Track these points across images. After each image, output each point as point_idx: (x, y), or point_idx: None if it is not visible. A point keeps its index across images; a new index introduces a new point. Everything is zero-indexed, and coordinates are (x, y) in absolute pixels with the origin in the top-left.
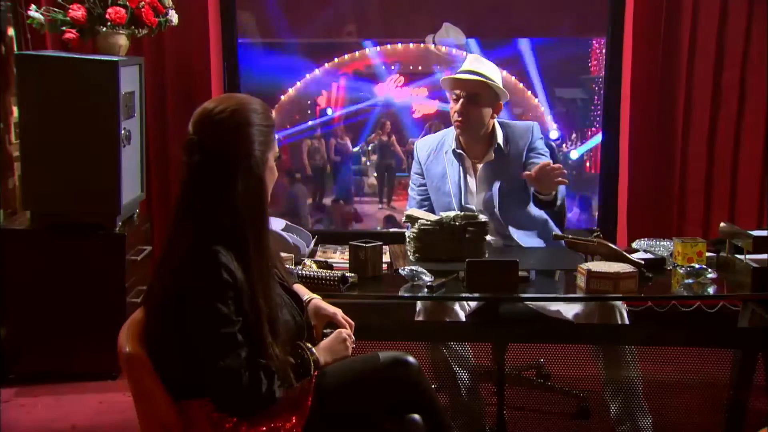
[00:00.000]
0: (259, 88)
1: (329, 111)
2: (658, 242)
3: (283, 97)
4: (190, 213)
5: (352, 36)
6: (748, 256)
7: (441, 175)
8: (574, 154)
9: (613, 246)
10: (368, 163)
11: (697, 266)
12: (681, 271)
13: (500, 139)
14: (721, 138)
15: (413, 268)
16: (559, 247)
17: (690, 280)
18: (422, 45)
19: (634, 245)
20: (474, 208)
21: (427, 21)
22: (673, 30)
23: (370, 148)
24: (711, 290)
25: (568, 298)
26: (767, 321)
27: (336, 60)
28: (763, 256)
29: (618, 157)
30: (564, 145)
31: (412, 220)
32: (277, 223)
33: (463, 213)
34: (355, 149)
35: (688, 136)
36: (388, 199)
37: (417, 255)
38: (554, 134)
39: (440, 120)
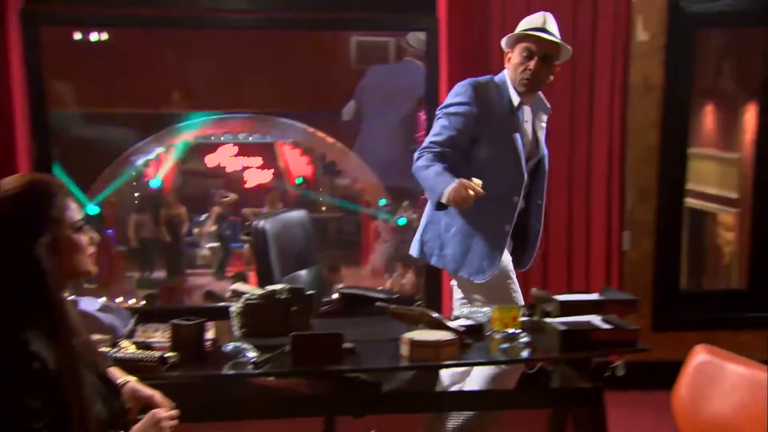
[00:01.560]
0: (79, 160)
1: (156, 182)
2: (478, 309)
3: (106, 169)
4: None
5: (180, 106)
6: (556, 320)
7: (504, 127)
8: (402, 221)
9: (435, 314)
10: (201, 234)
11: (512, 331)
12: (498, 337)
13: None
14: None
15: (237, 344)
16: (384, 317)
17: (506, 345)
18: (254, 115)
19: (455, 313)
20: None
21: (255, 92)
22: None
23: (202, 218)
24: (525, 354)
25: (392, 368)
26: (575, 381)
27: (164, 130)
28: (570, 318)
29: None
30: (395, 212)
31: (237, 294)
32: (91, 304)
33: (289, 286)
34: (187, 221)
35: None
36: (222, 271)
37: (243, 330)
38: (384, 200)
39: (278, 190)
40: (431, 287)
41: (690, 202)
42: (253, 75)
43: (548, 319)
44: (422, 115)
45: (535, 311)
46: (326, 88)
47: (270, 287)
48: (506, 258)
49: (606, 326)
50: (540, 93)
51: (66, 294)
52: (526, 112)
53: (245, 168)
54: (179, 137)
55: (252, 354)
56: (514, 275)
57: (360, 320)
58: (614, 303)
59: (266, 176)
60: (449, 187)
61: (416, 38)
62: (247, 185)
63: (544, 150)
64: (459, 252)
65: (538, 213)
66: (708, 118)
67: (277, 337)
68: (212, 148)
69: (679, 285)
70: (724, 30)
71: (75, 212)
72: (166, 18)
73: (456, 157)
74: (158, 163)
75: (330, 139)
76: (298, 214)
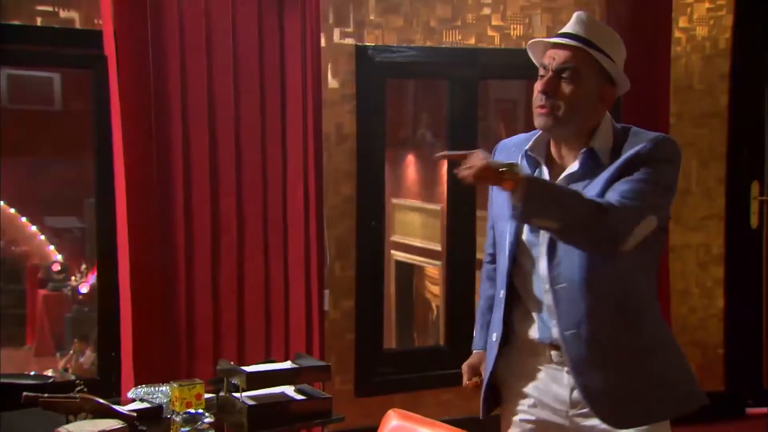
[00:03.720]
0: None
1: None
2: (156, 388)
3: None
4: None
5: None
6: (245, 394)
7: (503, 200)
8: (85, 288)
9: (100, 400)
10: None
11: (194, 411)
12: (177, 419)
13: (601, 144)
14: (224, 267)
15: None
16: (37, 409)
17: (186, 428)
18: None
19: (130, 395)
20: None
21: None
22: (165, 163)
23: None
24: None
25: None
26: None
27: None
28: (262, 391)
29: (118, 297)
30: (73, 278)
31: None
32: None
33: None
34: None
35: (192, 266)
36: None
37: None
38: (57, 266)
39: None
40: (108, 366)
41: (397, 255)
42: None
43: (236, 394)
44: None
45: (222, 386)
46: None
47: None
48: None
49: (299, 397)
50: (609, 130)
51: None
52: (542, 166)
53: None
54: None
55: None
56: None
57: (6, 416)
58: (308, 371)
59: None
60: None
61: None
62: None
63: None
64: None
65: (575, 323)
66: (410, 168)
67: None
68: None
69: (382, 345)
70: (419, 81)
71: None
72: None
73: None
74: None
75: None
76: None
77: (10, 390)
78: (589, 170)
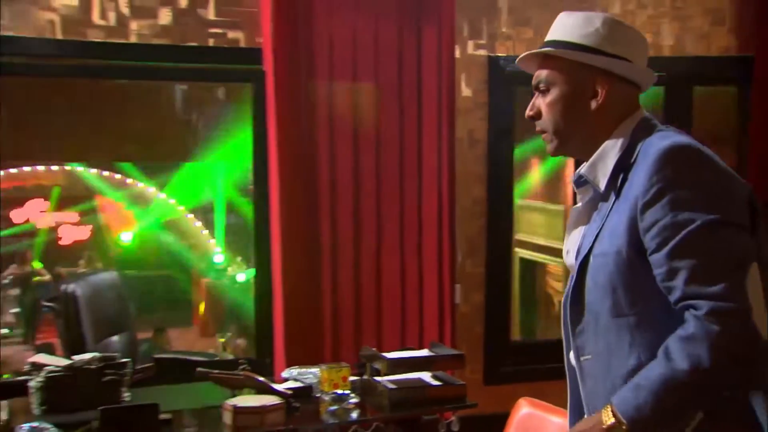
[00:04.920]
0: None
1: None
2: (307, 370)
3: None
4: None
5: None
6: (385, 378)
7: None
8: (242, 277)
9: (260, 378)
10: (6, 299)
11: (340, 392)
12: (326, 398)
13: (594, 167)
14: (365, 263)
15: (35, 424)
16: (207, 383)
17: (334, 407)
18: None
19: (284, 374)
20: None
21: (69, 142)
22: (313, 166)
23: (8, 281)
24: (354, 415)
25: None
26: None
27: None
28: (400, 376)
29: (271, 285)
30: (230, 269)
31: (36, 367)
32: None
33: (100, 355)
34: None
35: (337, 262)
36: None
37: (44, 407)
38: (219, 258)
39: (97, 248)
40: (263, 349)
41: (521, 252)
42: (65, 125)
43: (378, 378)
44: None
45: (365, 370)
46: (152, 139)
47: (77, 357)
48: None
49: (435, 383)
50: (608, 148)
51: None
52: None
53: (59, 224)
54: None
55: None
56: None
57: (181, 387)
58: (443, 359)
59: (83, 233)
60: None
61: None
62: (62, 242)
63: (597, 246)
64: None
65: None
66: (535, 171)
67: (85, 412)
68: (18, 202)
69: (509, 337)
70: None
71: None
72: None
73: None
74: None
75: (158, 193)
76: (109, 276)
77: (182, 365)
78: (590, 204)
